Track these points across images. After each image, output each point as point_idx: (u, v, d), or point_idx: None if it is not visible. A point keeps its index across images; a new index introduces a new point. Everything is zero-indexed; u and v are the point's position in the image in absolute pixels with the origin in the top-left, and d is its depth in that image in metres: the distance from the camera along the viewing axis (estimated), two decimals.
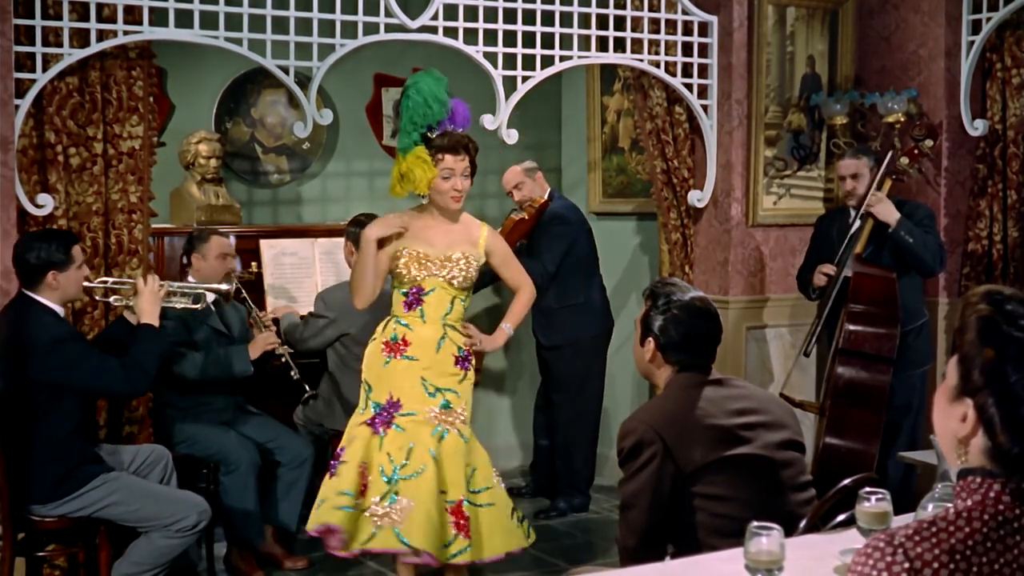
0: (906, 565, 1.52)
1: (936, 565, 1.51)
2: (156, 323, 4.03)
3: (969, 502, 1.58)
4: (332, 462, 4.04)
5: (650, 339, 2.97)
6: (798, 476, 2.96)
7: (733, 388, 2.99)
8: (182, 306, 4.29)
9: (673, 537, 2.84)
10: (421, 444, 3.93)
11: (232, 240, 5.55)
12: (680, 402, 2.89)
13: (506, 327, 4.30)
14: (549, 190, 5.79)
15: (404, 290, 4.03)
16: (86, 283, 4.04)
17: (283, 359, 4.81)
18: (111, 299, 4.18)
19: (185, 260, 4.81)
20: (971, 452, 1.61)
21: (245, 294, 4.91)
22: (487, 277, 6.07)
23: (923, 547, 1.53)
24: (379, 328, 4.10)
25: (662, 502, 2.79)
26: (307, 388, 4.84)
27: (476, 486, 4.04)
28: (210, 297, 4.40)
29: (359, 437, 3.99)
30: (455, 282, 4.01)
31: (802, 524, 2.78)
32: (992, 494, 1.57)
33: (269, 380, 5.17)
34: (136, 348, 3.97)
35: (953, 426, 1.62)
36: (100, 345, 4.09)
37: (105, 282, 4.18)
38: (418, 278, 3.99)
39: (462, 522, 3.92)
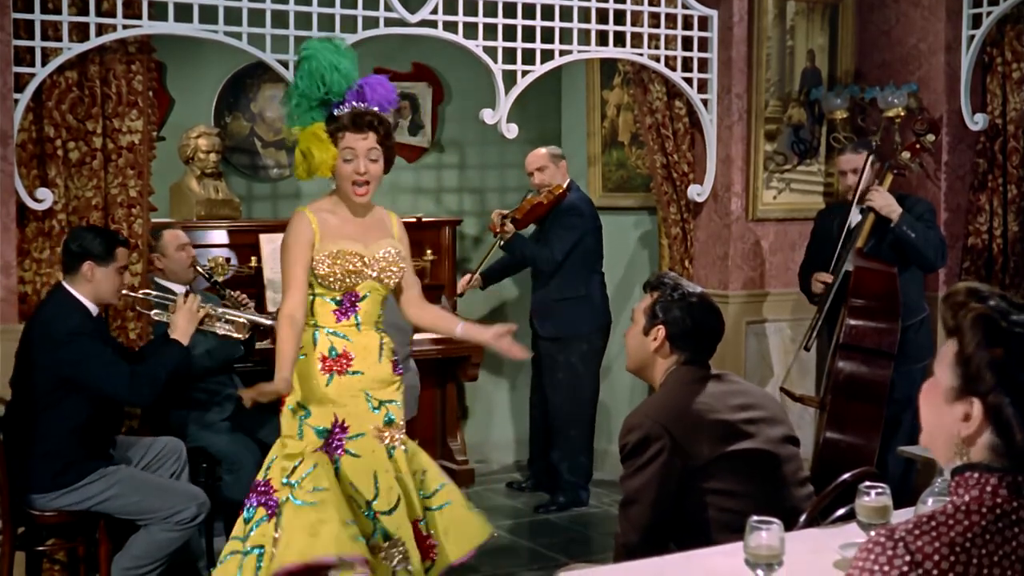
0: (907, 558, 1.53)
1: (937, 558, 1.53)
2: (185, 341, 4.02)
3: (967, 497, 1.60)
4: (265, 498, 3.43)
5: (660, 327, 2.95)
6: (798, 471, 2.98)
7: (731, 383, 3.00)
8: (223, 332, 4.24)
9: (678, 533, 2.83)
10: (384, 471, 3.47)
11: (226, 234, 5.58)
12: (685, 397, 2.88)
13: (459, 328, 3.72)
14: (569, 180, 5.81)
15: (335, 297, 3.50)
16: (127, 292, 4.06)
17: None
18: (152, 312, 4.18)
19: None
20: (975, 449, 1.62)
21: (219, 282, 4.92)
22: (499, 270, 6.11)
23: (923, 540, 1.55)
24: (303, 341, 3.52)
25: (667, 498, 2.78)
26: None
27: (429, 489, 3.63)
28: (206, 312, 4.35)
29: (322, 464, 3.42)
30: (388, 281, 3.56)
31: (802, 518, 2.78)
32: (989, 488, 1.59)
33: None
34: (154, 359, 3.98)
35: (952, 425, 1.63)
36: (139, 355, 4.11)
37: (148, 294, 4.20)
38: (352, 282, 3.49)
39: (423, 544, 3.56)
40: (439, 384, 6.22)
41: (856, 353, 4.65)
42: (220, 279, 5.01)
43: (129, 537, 3.98)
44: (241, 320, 4.27)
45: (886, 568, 1.53)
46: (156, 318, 4.19)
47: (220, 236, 5.61)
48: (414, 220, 6.21)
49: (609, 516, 5.54)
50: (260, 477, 3.51)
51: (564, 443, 5.78)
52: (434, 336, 5.92)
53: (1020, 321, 1.59)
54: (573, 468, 5.78)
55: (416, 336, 5.30)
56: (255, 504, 3.44)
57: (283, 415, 3.51)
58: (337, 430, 3.46)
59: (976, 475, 1.61)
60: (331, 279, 3.47)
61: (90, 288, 3.92)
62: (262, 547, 3.37)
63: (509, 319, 6.69)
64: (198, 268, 4.82)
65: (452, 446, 6.23)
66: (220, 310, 4.28)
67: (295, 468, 3.41)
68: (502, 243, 5.74)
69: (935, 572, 1.53)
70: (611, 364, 6.10)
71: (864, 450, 4.54)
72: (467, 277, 6.02)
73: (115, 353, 3.97)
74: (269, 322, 4.24)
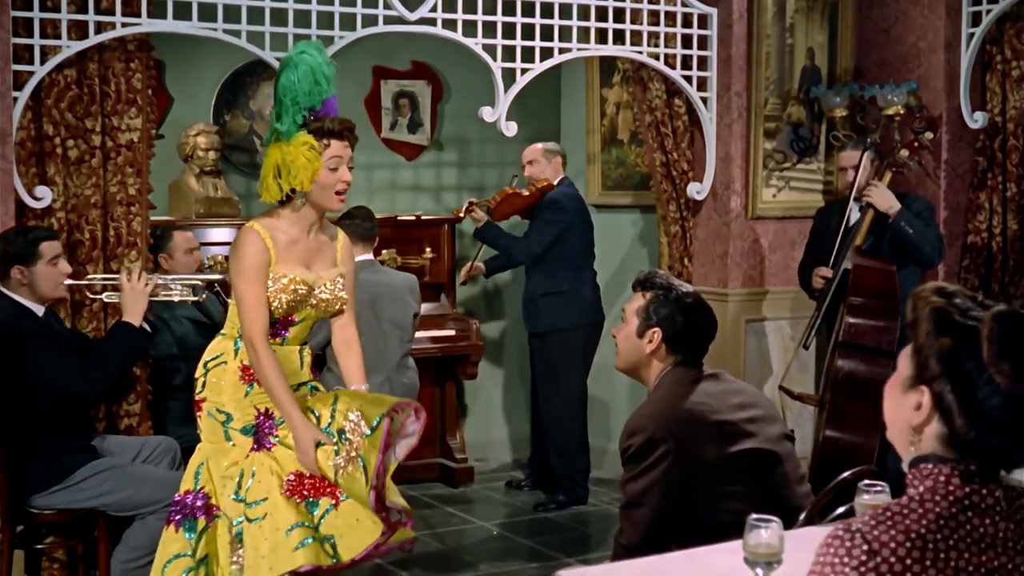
0: (864, 547, 1.58)
1: (893, 545, 1.58)
2: (136, 322, 4.00)
3: (922, 488, 1.65)
4: (204, 508, 3.36)
5: (656, 329, 2.93)
6: (797, 468, 2.98)
7: (727, 382, 3.00)
8: (179, 298, 4.25)
9: (681, 535, 2.80)
10: (323, 452, 3.28)
11: (225, 232, 5.57)
12: (686, 398, 2.87)
13: (362, 388, 3.56)
14: (561, 176, 5.81)
15: (271, 319, 3.36)
16: (70, 281, 4.03)
17: None
18: (104, 296, 4.18)
19: (153, 262, 4.67)
20: (924, 439, 1.67)
21: (217, 285, 4.92)
22: (492, 265, 6.12)
23: (879, 530, 1.60)
24: (219, 349, 3.45)
25: (671, 501, 2.77)
26: None
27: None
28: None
29: (260, 467, 3.31)
30: (325, 311, 3.47)
31: (801, 517, 2.78)
32: (943, 478, 1.64)
33: None
34: (104, 348, 3.98)
35: (907, 414, 1.69)
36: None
37: (93, 278, 4.18)
38: (292, 309, 3.37)
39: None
40: (438, 382, 6.23)
41: (855, 351, 4.65)
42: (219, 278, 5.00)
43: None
44: (194, 282, 4.27)
45: (845, 559, 1.58)
46: (107, 300, 4.18)
47: (219, 234, 5.61)
48: (413, 218, 6.22)
49: (608, 514, 5.54)
50: (191, 487, 3.39)
51: (558, 441, 5.76)
52: (434, 334, 5.94)
53: (974, 315, 1.64)
54: (570, 466, 5.76)
55: (416, 335, 5.30)
56: (194, 516, 3.36)
57: (201, 419, 3.41)
58: (262, 418, 3.36)
59: (930, 466, 1.66)
60: (273, 304, 3.33)
61: (27, 290, 3.91)
62: (206, 556, 3.35)
63: (506, 314, 6.74)
64: (203, 271, 4.81)
65: (451, 444, 6.22)
66: (168, 277, 4.26)
67: (239, 481, 3.33)
68: (474, 231, 5.79)
69: (892, 559, 1.57)
70: (609, 362, 6.10)
71: (863, 448, 4.54)
72: (468, 266, 6.03)
73: (65, 347, 3.94)
74: (219, 276, 4.32)
